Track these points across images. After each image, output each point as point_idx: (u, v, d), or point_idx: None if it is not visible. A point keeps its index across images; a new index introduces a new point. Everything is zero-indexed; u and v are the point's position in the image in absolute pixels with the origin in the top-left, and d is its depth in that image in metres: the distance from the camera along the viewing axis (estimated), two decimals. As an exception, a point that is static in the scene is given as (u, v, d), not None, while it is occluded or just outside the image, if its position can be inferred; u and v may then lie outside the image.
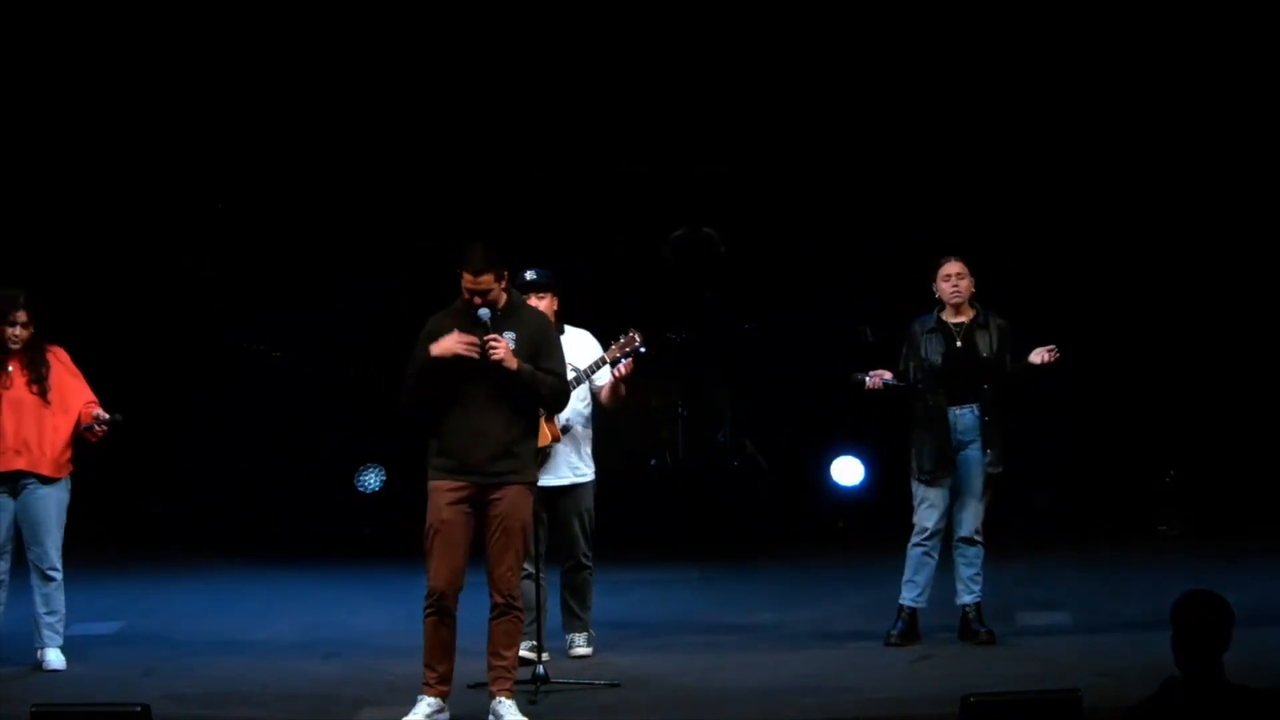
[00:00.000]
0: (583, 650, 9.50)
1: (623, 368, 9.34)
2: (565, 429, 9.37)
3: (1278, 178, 13.98)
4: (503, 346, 7.93)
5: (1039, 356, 9.55)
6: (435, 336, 8.04)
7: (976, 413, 9.60)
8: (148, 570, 13.08)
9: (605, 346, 9.46)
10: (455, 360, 7.94)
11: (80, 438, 9.34)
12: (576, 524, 9.48)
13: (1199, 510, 13.87)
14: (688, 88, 14.27)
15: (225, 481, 14.60)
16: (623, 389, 9.47)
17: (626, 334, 9.36)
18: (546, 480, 9.25)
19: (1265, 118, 13.89)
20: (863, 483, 14.16)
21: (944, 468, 9.60)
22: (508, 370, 7.94)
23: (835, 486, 14.25)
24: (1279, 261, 14.09)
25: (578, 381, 9.32)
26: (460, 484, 7.97)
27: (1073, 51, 13.99)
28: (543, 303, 9.32)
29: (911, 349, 9.72)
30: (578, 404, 9.43)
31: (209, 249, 14.73)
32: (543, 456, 9.22)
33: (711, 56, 14.17)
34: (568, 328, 9.55)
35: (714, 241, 14.76)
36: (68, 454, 9.33)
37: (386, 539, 13.70)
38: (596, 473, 9.60)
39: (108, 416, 9.24)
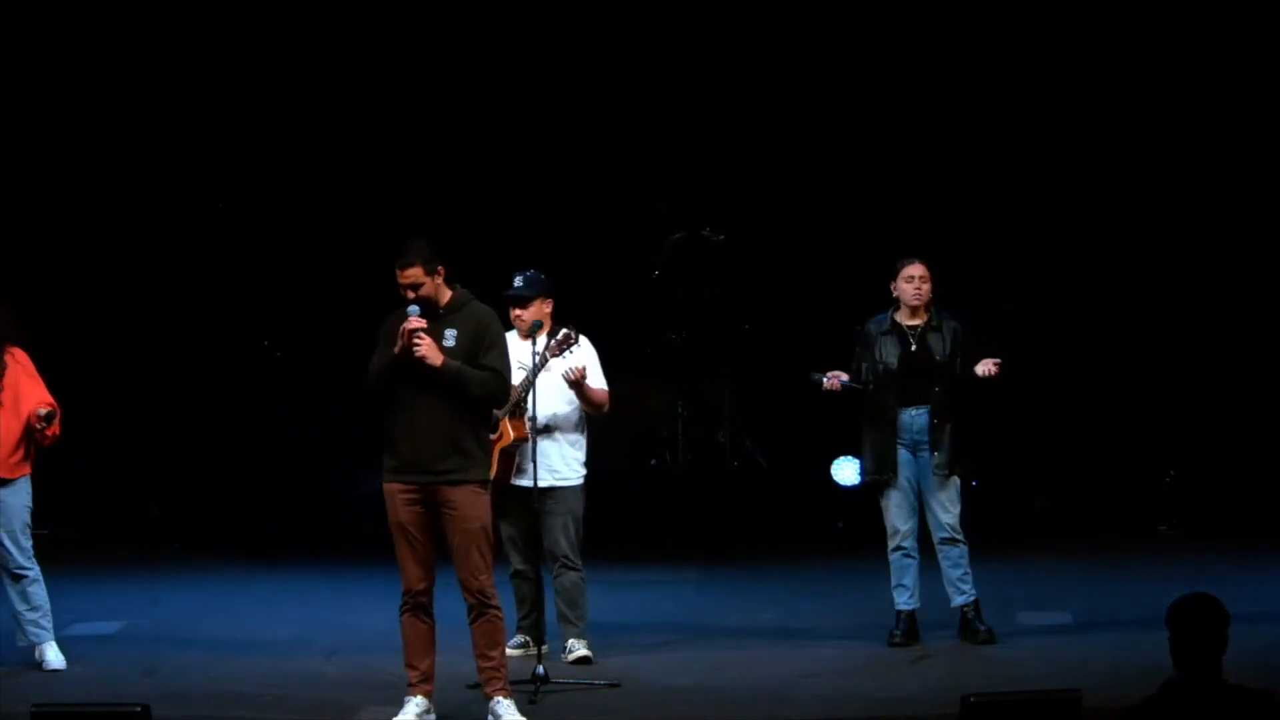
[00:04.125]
0: (580, 653, 9.42)
1: (572, 373, 9.25)
2: (546, 429, 9.30)
3: (1277, 178, 13.98)
4: (425, 343, 7.92)
5: (983, 368, 9.55)
6: (389, 334, 8.09)
7: (928, 415, 9.61)
8: (148, 570, 13.07)
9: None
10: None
11: (34, 441, 9.25)
12: (557, 525, 9.40)
13: (1199, 510, 13.87)
14: (687, 87, 14.27)
15: (225, 481, 14.59)
16: (593, 394, 9.38)
17: (560, 332, 9.27)
18: (524, 481, 9.19)
19: (1265, 118, 13.89)
20: (863, 483, 14.14)
21: (888, 469, 9.62)
22: (433, 367, 7.93)
23: (835, 486, 14.24)
24: (1279, 261, 14.08)
25: (529, 379, 9.16)
26: (410, 485, 8.01)
27: (1073, 52, 13.99)
28: (531, 310, 9.34)
29: (865, 349, 9.73)
30: (564, 405, 9.42)
31: (209, 249, 14.71)
32: (521, 457, 9.24)
33: (710, 57, 14.18)
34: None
35: (711, 242, 14.76)
36: (19, 455, 9.22)
37: (386, 538, 13.68)
38: (587, 475, 9.52)
39: (43, 413, 9.16)
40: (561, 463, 9.43)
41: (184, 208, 14.68)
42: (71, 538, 13.51)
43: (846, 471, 14.17)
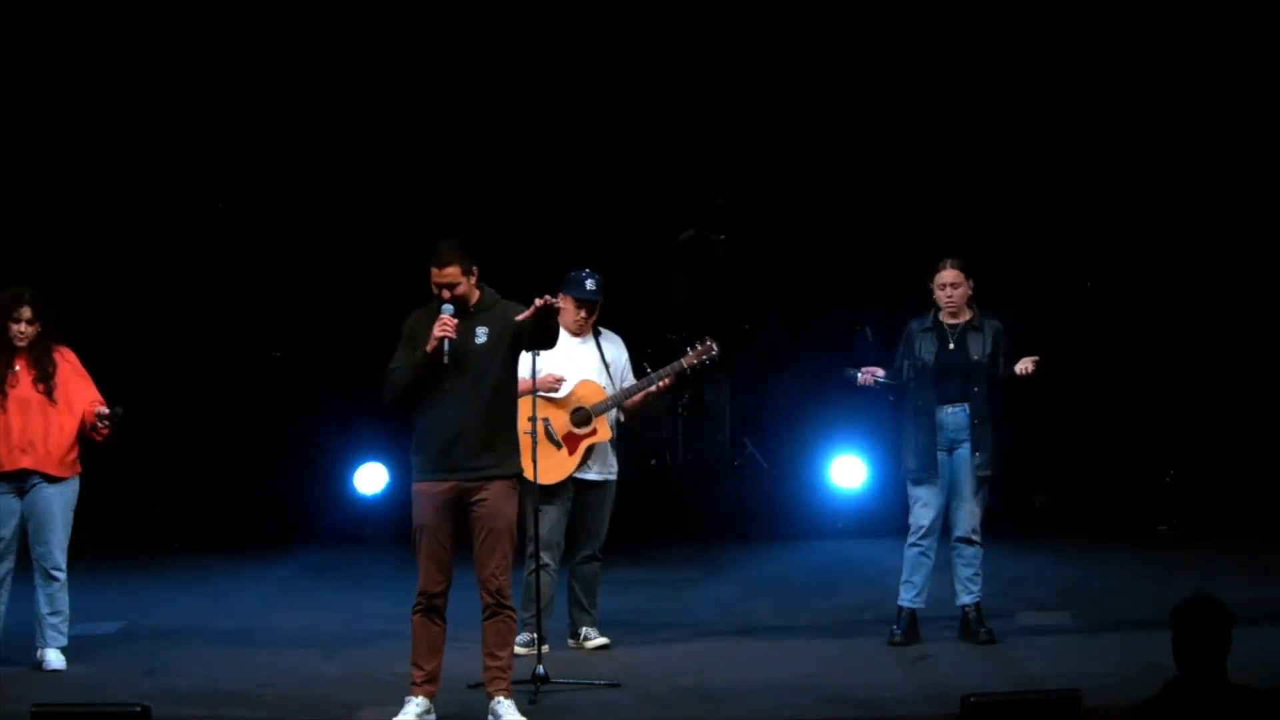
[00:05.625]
0: (600, 641, 9.71)
1: (666, 381, 9.62)
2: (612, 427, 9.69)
3: (1277, 178, 13.98)
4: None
5: (1022, 367, 9.56)
6: (415, 333, 8.12)
7: (967, 413, 9.63)
8: (148, 570, 13.08)
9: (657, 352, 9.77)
10: (451, 358, 7.98)
11: (88, 437, 9.35)
12: (603, 516, 9.71)
13: (1199, 510, 13.87)
14: (687, 87, 14.28)
15: (225, 481, 14.59)
16: (652, 400, 9.79)
17: (704, 342, 9.65)
18: (586, 474, 9.60)
19: (1265, 118, 13.89)
20: (863, 483, 14.16)
21: (929, 467, 9.63)
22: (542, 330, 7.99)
23: (835, 486, 14.25)
24: (1279, 261, 14.09)
25: (648, 384, 9.63)
26: (442, 485, 8.01)
27: (1073, 54, 14.00)
28: (595, 314, 9.69)
29: (907, 347, 9.77)
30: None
31: (209, 249, 14.71)
32: (593, 452, 9.58)
33: (711, 57, 14.19)
34: (603, 330, 9.84)
35: (718, 245, 14.79)
36: (74, 454, 9.36)
37: (386, 538, 13.71)
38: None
39: (108, 411, 9.25)
40: (613, 458, 9.76)
41: (184, 208, 14.67)
42: (72, 538, 13.49)
43: (847, 471, 14.19)
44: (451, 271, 8.04)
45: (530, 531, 9.36)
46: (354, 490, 14.34)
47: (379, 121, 14.40)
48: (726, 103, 14.36)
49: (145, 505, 14.67)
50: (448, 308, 8.02)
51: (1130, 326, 14.31)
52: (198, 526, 14.38)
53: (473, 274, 8.11)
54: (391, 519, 13.78)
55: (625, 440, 9.88)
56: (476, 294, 8.14)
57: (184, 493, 14.67)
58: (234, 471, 14.58)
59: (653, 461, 14.69)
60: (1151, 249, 14.28)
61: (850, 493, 14.19)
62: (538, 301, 7.96)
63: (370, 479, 14.30)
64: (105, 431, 9.30)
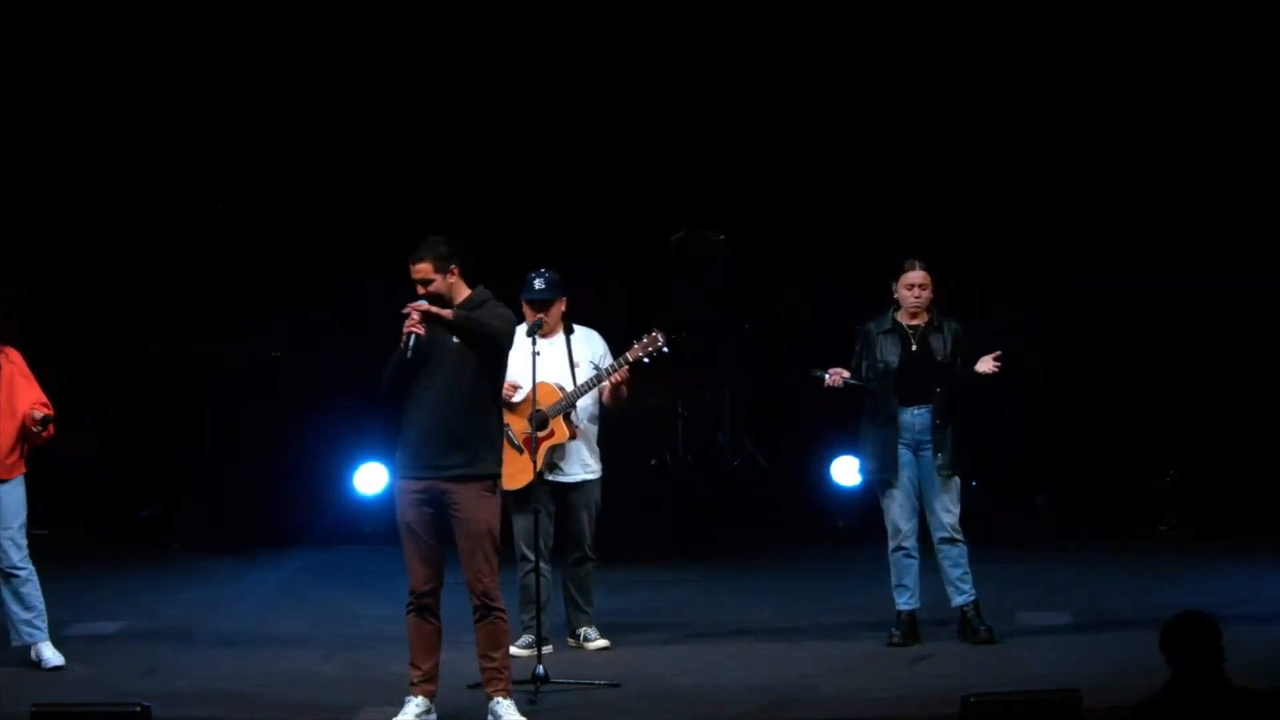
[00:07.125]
0: (601, 643, 9.70)
1: (619, 375, 9.49)
2: (578, 428, 9.58)
3: (1276, 178, 13.98)
4: (414, 314, 7.89)
5: (985, 366, 9.56)
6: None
7: (930, 415, 9.63)
8: (148, 570, 13.07)
9: (621, 345, 9.60)
10: (417, 355, 7.97)
11: (30, 440, 9.24)
12: (585, 517, 9.66)
13: (1199, 510, 13.87)
14: (686, 87, 14.29)
15: (224, 481, 14.58)
16: (624, 390, 9.62)
17: (649, 333, 9.52)
18: (560, 477, 9.55)
19: (1263, 118, 13.89)
20: (864, 482, 14.14)
21: (890, 469, 9.65)
22: (447, 326, 7.91)
23: (835, 486, 14.24)
24: (1278, 261, 14.08)
25: (597, 380, 9.51)
26: (419, 484, 8.02)
27: (1072, 52, 13.99)
28: (553, 312, 9.52)
29: (865, 349, 9.76)
30: (587, 402, 9.61)
31: (209, 249, 14.71)
32: (558, 454, 9.52)
33: (710, 57, 14.19)
34: (576, 327, 9.71)
35: (713, 242, 14.77)
36: (15, 455, 9.24)
37: (386, 538, 13.70)
38: (602, 470, 9.76)
39: (39, 416, 9.16)
40: (590, 457, 9.68)
41: (184, 208, 14.67)
42: (72, 538, 13.52)
43: (847, 471, 14.18)
44: (423, 268, 8.05)
45: (512, 534, 9.39)
46: (354, 490, 14.33)
47: (378, 122, 14.39)
48: (726, 103, 14.36)
49: (145, 505, 14.66)
50: (422, 304, 8.02)
51: (1130, 327, 14.30)
52: (198, 526, 14.37)
53: (450, 272, 8.08)
54: (391, 519, 13.70)
55: (624, 440, 9.85)
56: (464, 292, 8.13)
57: (184, 493, 14.66)
58: (233, 471, 14.57)
59: (653, 461, 14.69)
60: (1151, 249, 14.27)
61: (850, 493, 14.17)
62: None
63: (370, 479, 14.28)
64: (45, 435, 9.21)
